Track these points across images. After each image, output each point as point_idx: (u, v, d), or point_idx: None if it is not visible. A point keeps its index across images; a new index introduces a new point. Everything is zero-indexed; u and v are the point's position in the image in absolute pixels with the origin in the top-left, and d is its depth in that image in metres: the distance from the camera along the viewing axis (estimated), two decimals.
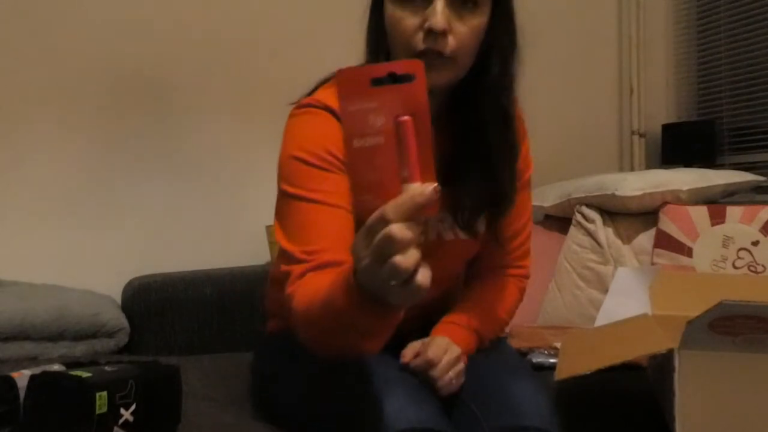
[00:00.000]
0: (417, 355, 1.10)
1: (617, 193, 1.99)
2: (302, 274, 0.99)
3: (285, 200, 1.08)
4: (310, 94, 1.16)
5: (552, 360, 1.49)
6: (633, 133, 2.71)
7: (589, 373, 1.07)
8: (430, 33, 1.01)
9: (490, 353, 1.20)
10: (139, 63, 2.02)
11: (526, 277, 1.32)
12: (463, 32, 1.04)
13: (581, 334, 1.38)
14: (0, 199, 1.88)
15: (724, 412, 1.04)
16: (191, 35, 2.07)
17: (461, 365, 1.11)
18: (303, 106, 1.12)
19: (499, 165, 1.12)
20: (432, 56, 1.02)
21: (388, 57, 1.08)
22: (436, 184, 0.70)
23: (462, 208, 1.15)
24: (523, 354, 1.57)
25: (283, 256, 1.05)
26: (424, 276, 0.72)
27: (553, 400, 1.08)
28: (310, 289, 0.95)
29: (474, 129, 1.11)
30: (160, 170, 2.04)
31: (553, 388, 1.23)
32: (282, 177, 1.10)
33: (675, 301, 1.24)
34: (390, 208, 0.69)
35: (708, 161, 2.48)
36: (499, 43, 1.10)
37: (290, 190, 1.06)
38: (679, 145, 2.56)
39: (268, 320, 1.36)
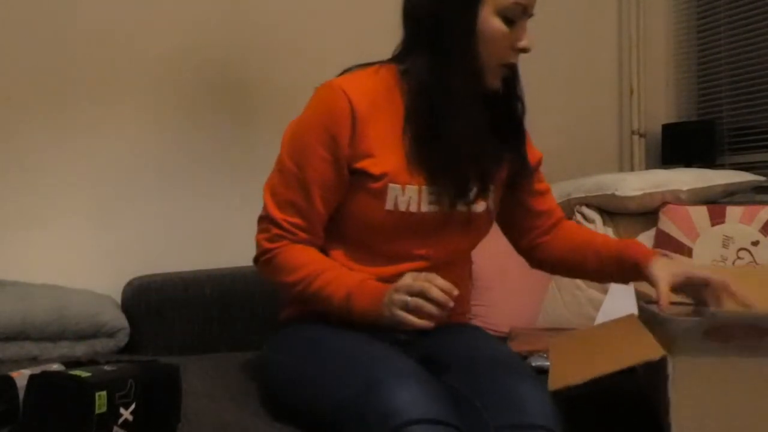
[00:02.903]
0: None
1: (617, 193, 1.99)
2: (280, 237, 1.26)
3: (285, 172, 1.27)
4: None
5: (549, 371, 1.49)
6: (633, 133, 2.71)
7: (582, 383, 1.07)
8: (523, 51, 1.24)
9: (494, 354, 1.21)
10: (139, 63, 2.02)
11: None
12: None
13: (571, 340, 1.37)
14: (0, 200, 1.88)
15: (718, 417, 1.03)
16: (190, 35, 2.07)
17: None
18: (329, 84, 1.27)
19: (520, 140, 1.35)
20: (510, 68, 1.26)
21: (474, 60, 1.22)
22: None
23: (483, 175, 1.30)
24: (523, 357, 1.57)
25: (266, 218, 1.28)
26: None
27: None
28: (290, 256, 1.26)
29: (506, 116, 1.32)
30: (160, 170, 2.04)
31: (547, 389, 1.23)
32: (290, 150, 1.27)
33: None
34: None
35: (708, 161, 2.48)
36: None
37: (291, 166, 1.26)
38: (679, 145, 2.56)
39: (284, 308, 1.38)
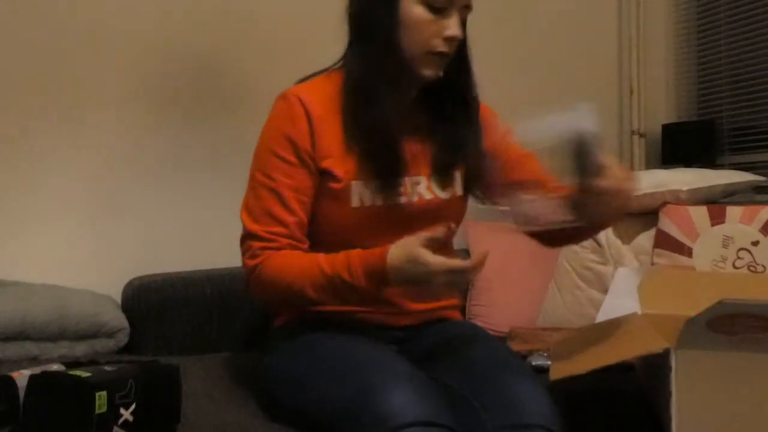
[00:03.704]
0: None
1: None
2: (262, 249, 1.23)
3: (256, 185, 1.28)
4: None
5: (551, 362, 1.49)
6: (633, 133, 2.71)
7: (584, 373, 1.07)
8: (452, 40, 1.24)
9: (492, 353, 1.21)
10: (137, 63, 2.02)
11: None
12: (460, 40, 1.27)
13: (573, 334, 1.39)
14: (0, 199, 1.88)
15: (721, 411, 1.03)
16: (189, 34, 2.07)
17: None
18: (283, 94, 1.32)
19: (461, 128, 1.34)
20: (443, 56, 1.26)
21: (396, 48, 1.25)
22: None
23: (437, 163, 1.32)
24: (523, 357, 1.57)
25: (246, 236, 1.26)
26: None
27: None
28: (276, 263, 1.22)
29: (446, 106, 1.33)
30: (160, 170, 2.04)
31: (546, 388, 1.23)
32: (256, 164, 1.30)
33: (663, 299, 1.24)
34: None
35: (708, 161, 2.48)
36: (465, 46, 1.34)
37: (258, 177, 1.28)
38: (679, 145, 2.56)
39: (275, 317, 1.39)
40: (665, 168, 2.28)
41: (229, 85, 2.12)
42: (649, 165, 2.70)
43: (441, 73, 1.28)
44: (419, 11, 1.22)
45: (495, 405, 1.06)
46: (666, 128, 2.63)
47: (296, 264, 1.22)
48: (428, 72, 1.26)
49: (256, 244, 1.25)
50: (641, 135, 2.71)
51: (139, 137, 2.02)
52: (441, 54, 1.25)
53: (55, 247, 1.92)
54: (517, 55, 2.51)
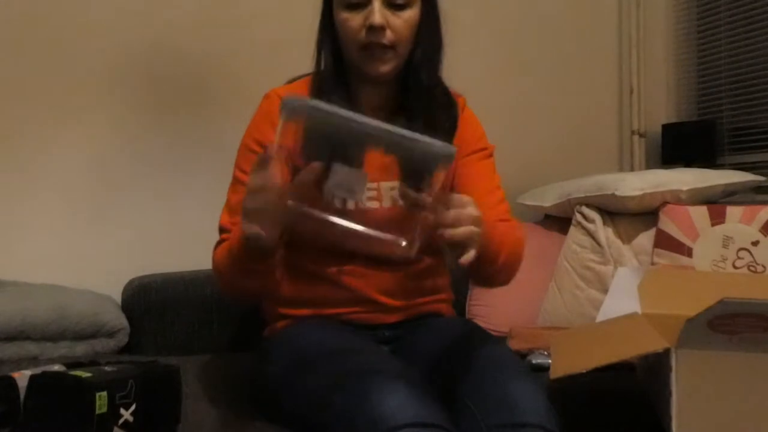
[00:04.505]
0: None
1: (617, 193, 1.99)
2: (222, 241, 1.30)
3: (234, 180, 1.35)
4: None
5: (551, 361, 1.49)
6: (633, 133, 2.71)
7: (584, 372, 1.07)
8: (371, 28, 1.23)
9: (487, 352, 1.20)
10: (137, 62, 2.02)
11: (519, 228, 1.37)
12: (399, 25, 1.25)
13: (573, 333, 1.38)
14: (0, 199, 1.88)
15: (721, 411, 1.04)
16: (193, 35, 2.08)
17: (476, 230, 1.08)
18: (267, 93, 1.38)
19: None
20: (375, 48, 1.25)
21: (336, 51, 1.30)
22: None
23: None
24: (523, 355, 1.57)
25: (218, 230, 1.33)
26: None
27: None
28: (218, 252, 1.29)
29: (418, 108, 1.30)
30: (160, 169, 2.04)
31: (546, 388, 1.23)
32: (236, 159, 1.36)
33: (663, 299, 1.24)
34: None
35: (708, 161, 2.48)
36: (425, 34, 1.30)
37: (236, 173, 1.35)
38: (679, 145, 2.56)
39: (267, 325, 1.39)
40: (665, 168, 2.28)
41: (229, 85, 2.12)
42: (649, 165, 2.70)
43: (386, 68, 1.27)
44: (342, 15, 1.26)
45: (490, 404, 1.05)
46: (666, 128, 2.63)
47: (224, 248, 1.26)
48: (371, 68, 1.28)
49: (221, 236, 1.32)
50: (641, 135, 2.71)
51: (140, 136, 2.02)
52: (372, 45, 1.25)
53: (55, 247, 1.92)
54: (517, 55, 2.51)
